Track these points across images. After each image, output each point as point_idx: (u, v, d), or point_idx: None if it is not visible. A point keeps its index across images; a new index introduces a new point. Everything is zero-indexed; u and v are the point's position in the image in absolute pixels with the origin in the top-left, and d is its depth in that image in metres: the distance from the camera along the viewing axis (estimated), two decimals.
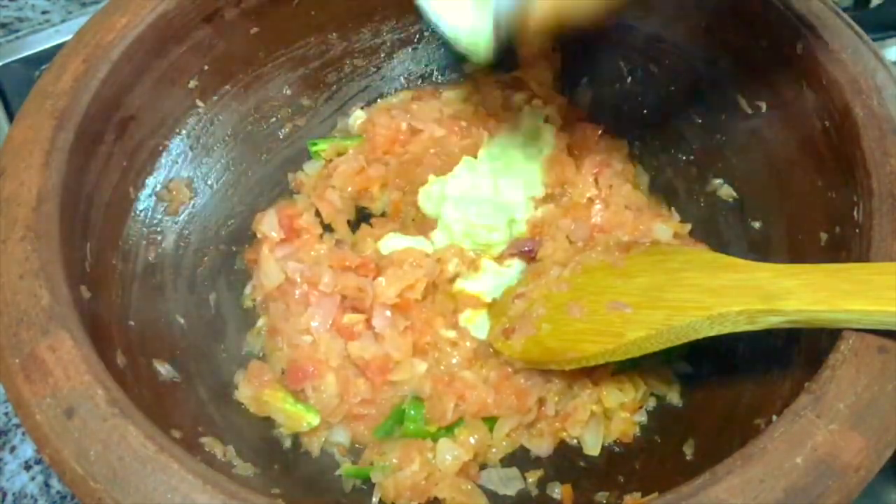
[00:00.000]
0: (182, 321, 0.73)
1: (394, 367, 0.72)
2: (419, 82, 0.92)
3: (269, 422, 0.71)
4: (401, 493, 0.66)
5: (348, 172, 0.84)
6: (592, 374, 0.71)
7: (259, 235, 0.79)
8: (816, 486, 0.47)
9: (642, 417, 0.72)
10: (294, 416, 0.70)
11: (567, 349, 0.66)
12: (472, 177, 0.81)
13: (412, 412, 0.70)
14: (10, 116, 0.97)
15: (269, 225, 0.79)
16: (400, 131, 0.86)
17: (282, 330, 0.74)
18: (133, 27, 0.68)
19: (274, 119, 0.85)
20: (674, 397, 0.72)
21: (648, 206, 0.82)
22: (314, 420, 0.70)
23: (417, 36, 0.90)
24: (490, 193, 0.80)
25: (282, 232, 0.79)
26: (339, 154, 0.86)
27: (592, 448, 0.70)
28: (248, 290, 0.79)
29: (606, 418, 0.71)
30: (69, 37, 0.69)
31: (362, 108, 0.89)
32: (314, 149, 0.87)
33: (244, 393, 0.71)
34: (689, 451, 0.66)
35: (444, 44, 0.89)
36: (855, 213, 0.60)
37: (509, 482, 0.68)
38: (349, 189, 0.84)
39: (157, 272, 0.73)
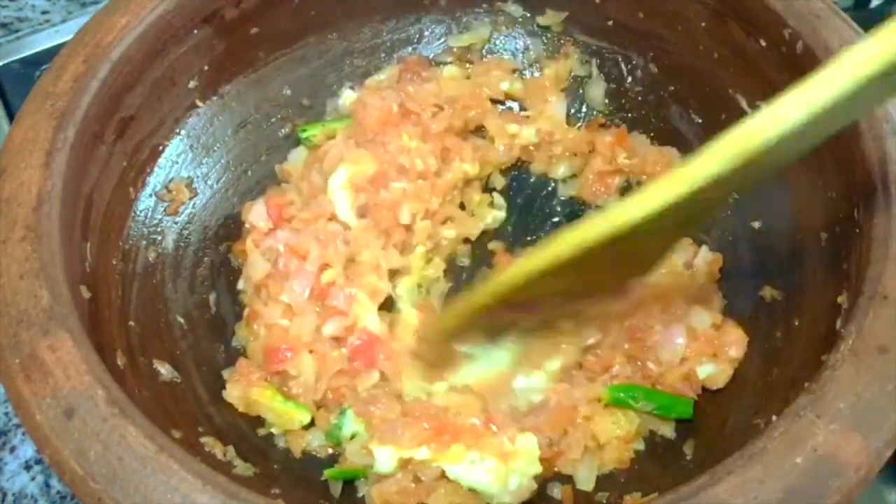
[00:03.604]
0: (182, 321, 0.73)
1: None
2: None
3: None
4: (389, 500, 0.64)
5: (338, 157, 0.81)
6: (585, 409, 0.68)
7: (247, 225, 0.78)
8: (816, 486, 0.47)
9: (640, 445, 0.69)
10: (284, 415, 0.69)
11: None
12: None
13: None
14: (10, 116, 0.97)
15: (257, 214, 0.77)
16: (391, 113, 0.82)
17: (260, 312, 0.73)
18: (133, 27, 0.68)
19: (274, 119, 0.85)
20: (667, 431, 0.69)
21: None
22: (305, 418, 0.69)
23: (417, 36, 0.90)
24: None
25: (270, 221, 0.77)
26: (329, 138, 0.84)
27: (585, 483, 0.67)
28: (240, 284, 0.78)
29: (599, 448, 0.68)
30: (69, 37, 0.68)
31: (351, 87, 0.88)
32: (304, 135, 0.84)
33: (232, 392, 0.69)
34: (689, 451, 0.65)
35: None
36: (855, 213, 0.60)
37: None
38: None
39: (157, 272, 0.73)
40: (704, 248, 0.75)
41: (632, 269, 0.61)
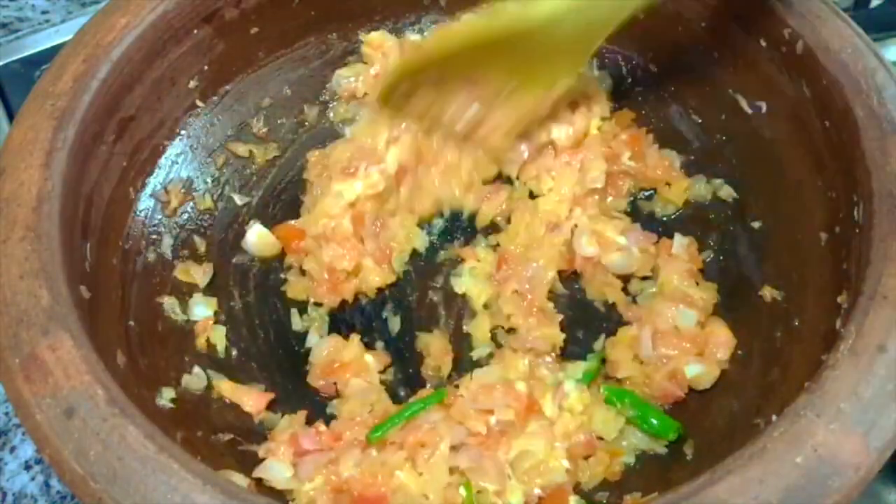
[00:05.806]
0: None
1: None
2: None
3: None
4: None
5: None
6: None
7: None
8: (816, 486, 0.47)
9: (629, 458, 0.66)
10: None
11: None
12: None
13: None
14: (10, 116, 0.97)
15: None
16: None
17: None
18: (133, 27, 0.68)
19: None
20: (657, 447, 0.66)
21: None
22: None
23: (417, 36, 0.90)
24: None
25: None
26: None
27: None
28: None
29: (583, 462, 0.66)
30: (69, 37, 0.69)
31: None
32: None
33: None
34: (689, 451, 0.65)
35: None
36: (855, 213, 0.60)
37: None
38: None
39: (157, 272, 0.73)
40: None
41: (550, 69, 0.72)
